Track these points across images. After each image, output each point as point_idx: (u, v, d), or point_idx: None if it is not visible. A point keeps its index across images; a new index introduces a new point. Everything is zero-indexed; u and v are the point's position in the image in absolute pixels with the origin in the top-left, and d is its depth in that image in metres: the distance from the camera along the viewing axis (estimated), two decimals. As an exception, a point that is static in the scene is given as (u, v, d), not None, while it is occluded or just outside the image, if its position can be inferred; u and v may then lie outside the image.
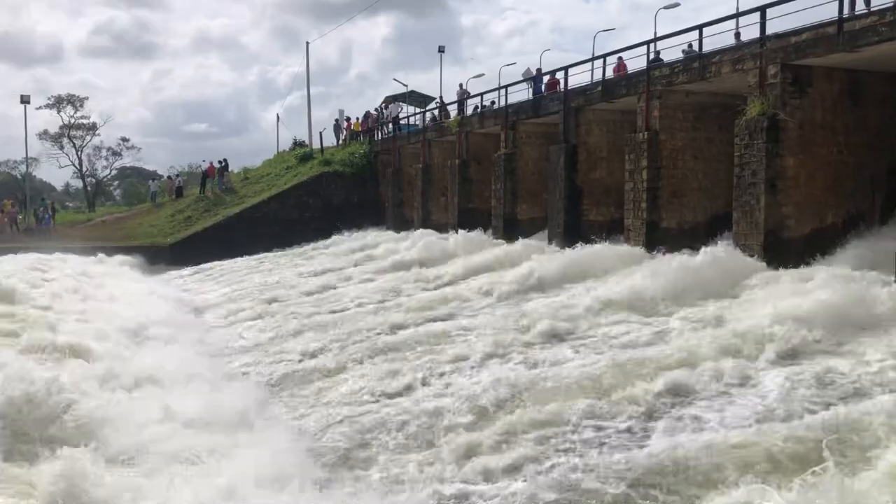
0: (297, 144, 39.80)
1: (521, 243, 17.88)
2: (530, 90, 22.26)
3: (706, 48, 14.69)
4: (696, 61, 14.42)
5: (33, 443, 6.26)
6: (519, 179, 20.78)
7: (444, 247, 19.82)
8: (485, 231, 20.90)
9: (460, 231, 21.41)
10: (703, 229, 14.87)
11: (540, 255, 15.73)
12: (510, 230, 20.14)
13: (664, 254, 13.53)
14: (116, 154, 60.29)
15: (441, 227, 23.97)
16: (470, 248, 18.98)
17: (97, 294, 16.89)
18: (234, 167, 37.55)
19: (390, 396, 8.79)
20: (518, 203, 20.75)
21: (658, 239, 14.78)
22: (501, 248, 17.98)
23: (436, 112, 30.34)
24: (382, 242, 23.70)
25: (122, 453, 6.46)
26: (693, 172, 15.26)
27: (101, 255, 25.50)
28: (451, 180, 24.24)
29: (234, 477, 5.94)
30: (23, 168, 52.77)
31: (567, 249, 15.77)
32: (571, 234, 17.29)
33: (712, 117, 15.13)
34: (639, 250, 14.56)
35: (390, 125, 32.15)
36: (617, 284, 12.02)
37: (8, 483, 5.61)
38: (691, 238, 14.41)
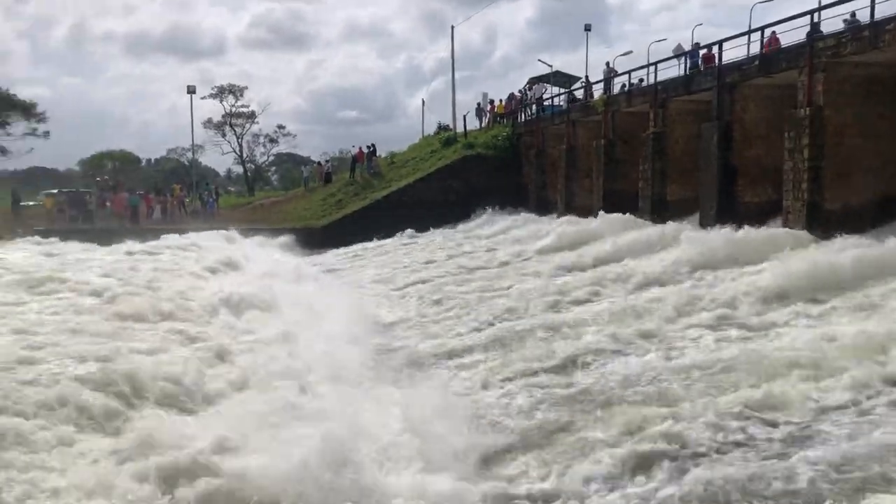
0: (442, 129, 40.28)
1: (671, 225, 17.28)
2: (682, 66, 21.38)
3: (878, 15, 13.56)
4: (868, 29, 13.33)
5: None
6: (668, 159, 20.07)
7: (587, 229, 19.50)
8: (631, 213, 20.34)
9: (606, 213, 20.94)
10: (871, 212, 13.80)
11: (694, 238, 15.11)
12: (659, 212, 19.51)
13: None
14: (273, 141, 63.51)
15: (585, 210, 23.57)
16: (616, 229, 18.55)
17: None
18: (381, 152, 38.56)
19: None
20: (667, 184, 20.05)
21: (820, 222, 13.86)
22: (651, 230, 17.44)
23: (580, 92, 29.80)
24: (524, 225, 23.66)
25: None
26: (861, 150, 14.14)
27: (259, 238, 27.10)
28: (595, 161, 23.74)
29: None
30: (190, 155, 56.62)
31: (721, 231, 15.10)
32: (725, 215, 16.52)
33: (885, 91, 13.96)
34: (802, 234, 13.70)
35: (534, 106, 31.91)
36: (784, 268, 11.42)
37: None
38: (857, 221, 13.42)
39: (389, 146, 45.57)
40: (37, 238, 25.12)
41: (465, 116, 36.88)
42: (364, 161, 36.22)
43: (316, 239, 29.42)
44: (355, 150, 37.78)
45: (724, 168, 17.13)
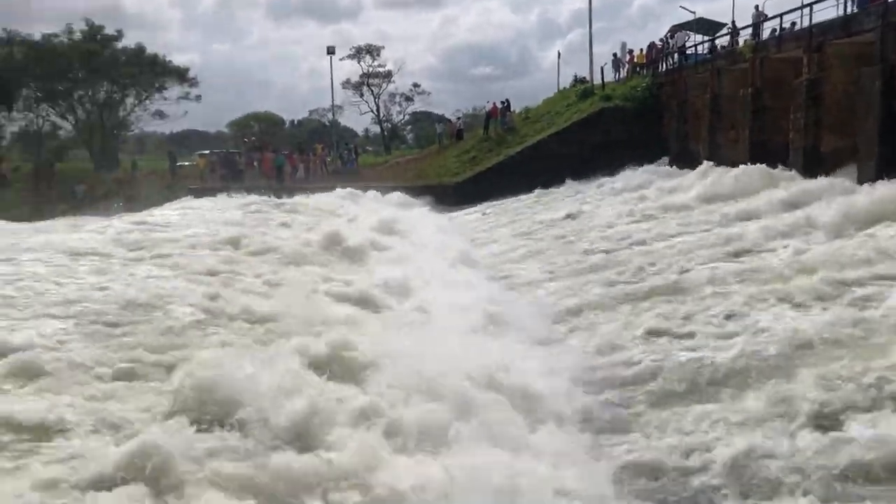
0: (578, 81, 39.39)
1: (825, 179, 16.16)
2: (841, 7, 19.75)
3: None
4: None
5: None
6: (823, 107, 18.69)
7: (730, 183, 18.53)
8: (782, 165, 19.16)
9: (752, 165, 19.83)
10: None
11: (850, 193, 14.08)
12: (811, 164, 18.26)
13: None
14: (409, 99, 64.39)
15: (730, 162, 22.41)
16: (763, 184, 17.55)
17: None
18: (515, 107, 38.20)
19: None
20: (821, 134, 18.71)
21: None
22: (803, 185, 16.38)
23: (725, 40, 28.22)
24: (665, 178, 22.85)
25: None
26: None
27: (398, 194, 27.79)
28: (742, 111, 22.48)
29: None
30: (330, 116, 58.34)
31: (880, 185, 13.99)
32: (887, 168, 15.28)
33: None
34: None
35: (675, 55, 30.58)
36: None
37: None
38: None
39: (524, 101, 45.03)
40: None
41: (602, 68, 35.91)
42: (498, 117, 36.05)
43: (450, 196, 29.69)
44: (489, 106, 37.63)
45: (888, 116, 15.78)
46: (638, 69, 34.09)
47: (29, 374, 5.62)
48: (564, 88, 40.08)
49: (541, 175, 28.18)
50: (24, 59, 46.33)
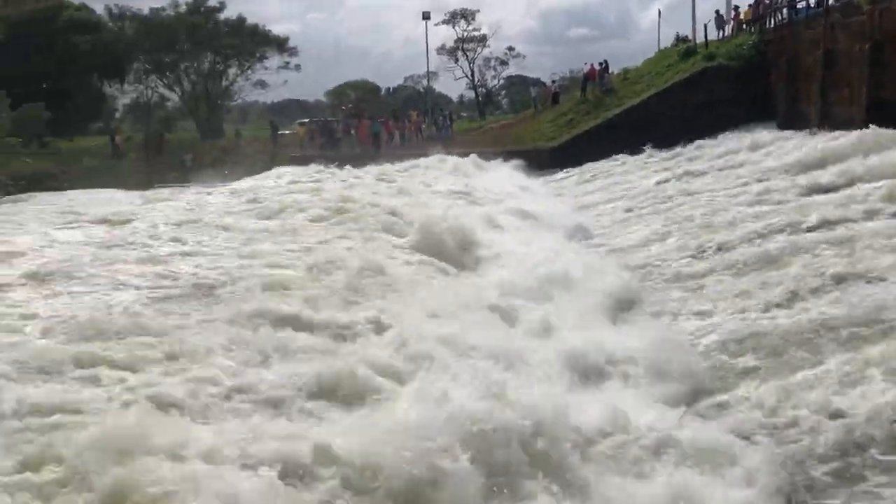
0: (679, 41, 38.03)
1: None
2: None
3: None
4: None
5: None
6: (950, 61, 17.43)
7: (839, 147, 17.41)
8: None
9: (870, 126, 18.67)
10: None
11: None
12: (936, 122, 17.08)
13: None
14: (504, 63, 63.75)
15: (844, 123, 21.21)
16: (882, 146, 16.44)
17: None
18: (613, 69, 37.27)
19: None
20: (948, 89, 17.46)
21: None
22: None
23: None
24: (773, 141, 21.83)
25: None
26: None
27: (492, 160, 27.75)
28: (858, 67, 21.19)
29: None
30: (425, 82, 58.48)
31: None
32: None
33: None
34: None
35: (784, 10, 29.04)
36: None
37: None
38: None
39: (622, 63, 43.78)
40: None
41: (705, 26, 34.50)
42: (596, 79, 35.28)
43: (546, 160, 29.36)
44: (587, 68, 36.85)
45: None
46: (743, 26, 32.61)
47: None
48: (665, 48, 38.79)
49: (641, 137, 27.41)
50: (135, 34, 48.33)
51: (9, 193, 27.77)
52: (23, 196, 26.79)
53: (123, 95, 54.08)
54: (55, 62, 44.14)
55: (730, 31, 33.73)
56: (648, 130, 27.74)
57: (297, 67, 53.31)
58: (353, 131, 37.50)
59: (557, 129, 33.00)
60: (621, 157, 26.57)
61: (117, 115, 59.63)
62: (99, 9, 50.29)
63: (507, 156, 29.28)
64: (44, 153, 37.03)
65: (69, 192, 27.65)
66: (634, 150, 26.79)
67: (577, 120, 32.76)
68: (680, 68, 31.44)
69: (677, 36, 39.26)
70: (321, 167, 24.55)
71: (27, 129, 35.28)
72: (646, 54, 41.06)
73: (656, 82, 31.65)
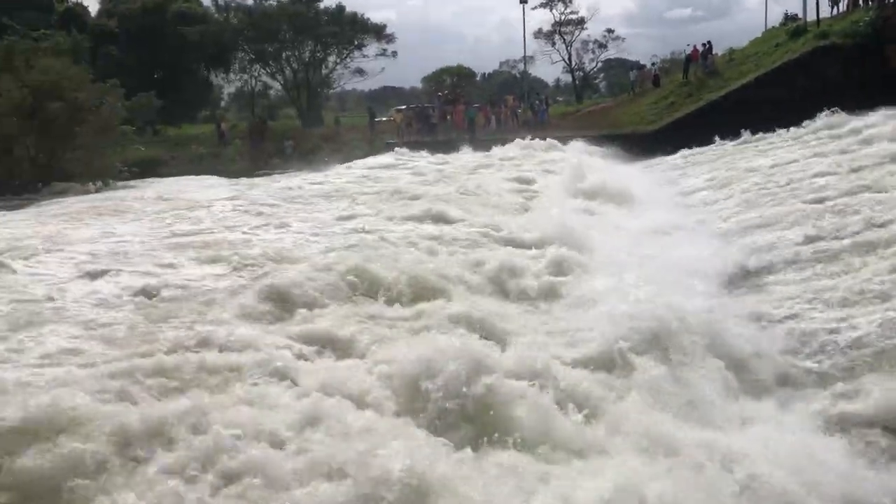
0: (789, 19, 36.39)
1: None
2: None
3: None
4: None
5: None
6: None
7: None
8: None
9: None
10: None
11: None
12: None
13: None
14: (602, 46, 62.55)
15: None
16: None
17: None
18: (717, 50, 35.98)
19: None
20: None
21: None
22: None
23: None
24: (884, 122, 20.36)
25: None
26: None
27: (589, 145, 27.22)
28: None
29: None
30: (521, 67, 58.01)
31: None
32: None
33: None
34: None
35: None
36: None
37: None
38: None
39: (726, 44, 42.27)
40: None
41: (817, 2, 32.82)
42: (699, 60, 34.15)
43: (646, 144, 28.62)
44: (689, 50, 35.72)
45: None
46: (860, 2, 30.84)
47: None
48: (773, 27, 37.21)
49: (746, 121, 26.31)
50: (239, 24, 49.89)
51: (123, 179, 29.22)
52: (132, 182, 28.21)
53: (229, 84, 56.11)
54: (165, 53, 46.12)
55: (845, 7, 32.00)
56: (755, 113, 26.58)
57: (394, 54, 53.93)
58: (448, 117, 37.63)
59: (658, 112, 32.15)
60: (726, 143, 25.27)
61: (223, 103, 61.84)
62: (206, 0, 52.22)
63: (604, 140, 28.72)
64: (155, 141, 38.81)
65: (180, 178, 28.93)
66: (739, 133, 25.70)
67: (678, 103, 31.82)
68: (789, 48, 30.05)
69: (786, 14, 37.67)
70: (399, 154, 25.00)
71: (140, 117, 36.98)
72: (751, 35, 39.49)
73: (764, 63, 30.35)
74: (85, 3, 51.70)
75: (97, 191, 26.00)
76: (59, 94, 27.68)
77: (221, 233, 10.19)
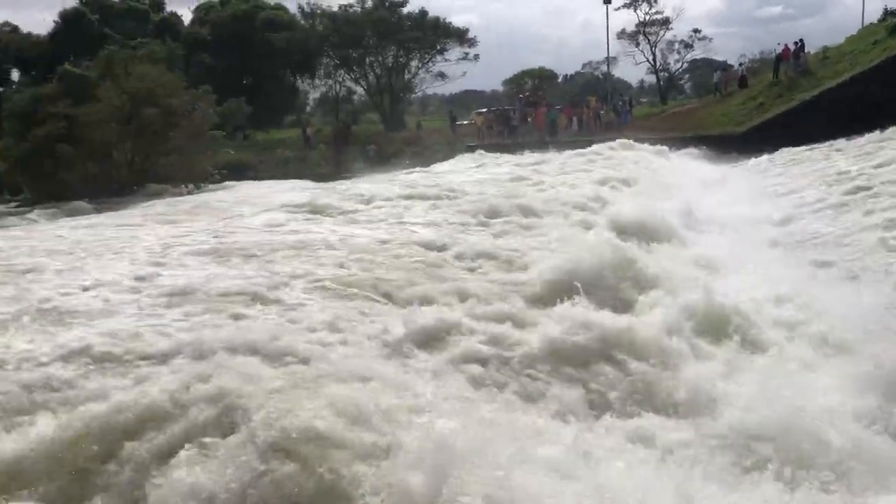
0: (889, 14, 34.81)
1: None
2: None
3: None
4: None
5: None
6: None
7: None
8: None
9: None
10: None
11: None
12: None
13: None
14: (688, 46, 61.04)
15: None
16: None
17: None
18: (809, 48, 34.72)
19: None
20: None
21: None
22: None
23: None
24: None
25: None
26: None
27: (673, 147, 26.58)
28: None
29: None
30: (603, 68, 57.29)
31: None
32: None
33: None
34: None
35: None
36: None
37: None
38: None
39: (819, 42, 40.83)
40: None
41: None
42: (790, 59, 33.03)
43: (733, 146, 27.82)
44: (780, 49, 34.59)
45: None
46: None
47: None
48: (871, 24, 35.64)
49: (840, 122, 25.30)
50: (325, 31, 50.98)
51: (214, 182, 30.28)
52: (225, 184, 29.19)
53: (314, 90, 57.34)
54: (254, 59, 47.55)
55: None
56: (851, 114, 25.51)
57: (476, 58, 54.05)
58: (529, 119, 37.51)
59: (747, 113, 31.25)
60: (820, 144, 23.96)
61: (308, 108, 63.25)
62: (293, 8, 53.56)
63: (690, 142, 28.09)
64: (245, 145, 40.05)
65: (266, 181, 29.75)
66: (834, 135, 24.62)
67: (767, 104, 30.85)
68: (888, 45, 28.75)
69: (885, 9, 35.99)
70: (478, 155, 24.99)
71: (230, 122, 38.23)
72: (845, 32, 37.96)
73: (860, 61, 29.15)
74: (179, 13, 53.87)
75: (189, 193, 27.03)
76: (155, 100, 28.92)
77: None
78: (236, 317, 4.99)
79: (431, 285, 6.28)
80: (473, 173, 17.94)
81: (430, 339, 4.97)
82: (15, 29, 52.28)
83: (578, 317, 5.35)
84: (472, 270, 7.07)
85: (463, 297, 5.92)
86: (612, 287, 6.29)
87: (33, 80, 40.62)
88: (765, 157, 24.07)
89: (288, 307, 5.31)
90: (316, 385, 3.85)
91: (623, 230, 8.45)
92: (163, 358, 4.21)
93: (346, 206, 10.74)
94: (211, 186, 29.06)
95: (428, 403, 3.92)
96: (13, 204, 29.69)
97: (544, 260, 7.02)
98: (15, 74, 49.56)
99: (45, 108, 28.88)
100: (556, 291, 6.02)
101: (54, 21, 49.37)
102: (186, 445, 3.39)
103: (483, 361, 4.82)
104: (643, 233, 8.59)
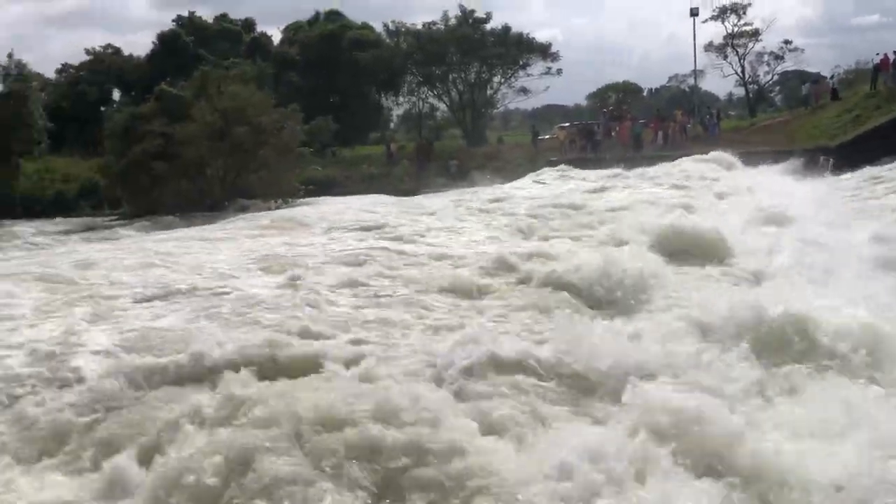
0: None
1: None
2: None
3: None
4: None
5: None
6: None
7: None
8: None
9: None
10: None
11: None
12: None
13: None
14: (778, 58, 59.27)
15: None
16: None
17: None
18: (910, 57, 33.19)
19: None
20: None
21: None
22: None
23: None
24: None
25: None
26: None
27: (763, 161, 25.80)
28: None
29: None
30: (690, 81, 56.19)
31: None
32: None
33: None
34: None
35: None
36: None
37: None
38: None
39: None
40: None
41: None
42: (890, 69, 31.68)
43: (826, 161, 26.85)
44: (878, 59, 33.22)
45: None
46: None
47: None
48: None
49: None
50: (409, 48, 51.75)
51: (300, 197, 31.02)
52: (309, 200, 29.85)
53: (398, 107, 58.15)
54: (340, 78, 48.62)
55: None
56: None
57: (559, 72, 53.73)
58: (613, 133, 37.07)
59: (841, 126, 30.08)
60: None
61: (392, 124, 64.21)
62: (378, 27, 54.56)
63: (780, 156, 27.18)
64: (331, 161, 40.93)
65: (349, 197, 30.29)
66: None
67: (864, 116, 29.62)
68: None
69: None
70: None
71: (317, 139, 39.12)
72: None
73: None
74: (269, 33, 55.66)
75: (277, 208, 27.79)
76: (245, 118, 29.94)
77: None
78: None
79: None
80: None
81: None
82: (117, 51, 55.20)
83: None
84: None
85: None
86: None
87: (133, 100, 42.62)
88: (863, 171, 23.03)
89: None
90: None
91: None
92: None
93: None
94: (299, 201, 29.78)
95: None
96: (112, 217, 31.25)
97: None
98: (116, 94, 52.19)
99: (143, 126, 30.30)
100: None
101: (153, 42, 51.87)
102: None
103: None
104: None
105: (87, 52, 55.57)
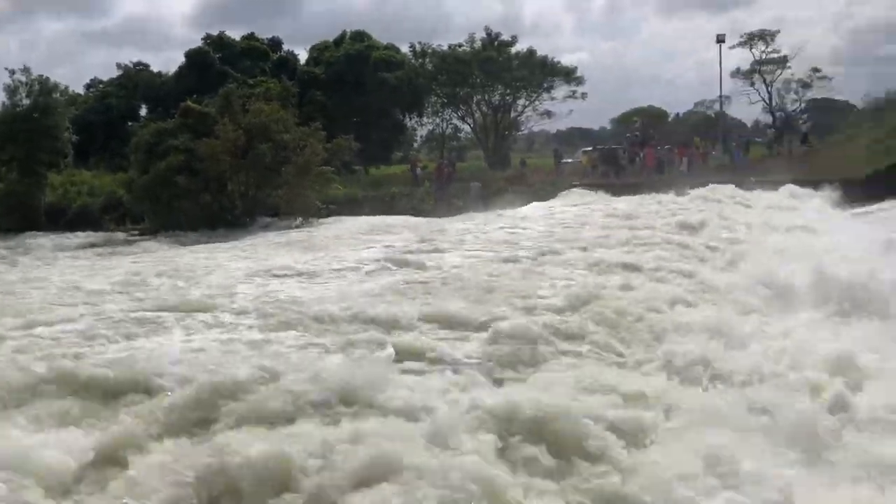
0: None
1: None
2: None
3: None
4: None
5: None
6: None
7: None
8: None
9: None
10: None
11: None
12: None
13: None
14: (806, 86, 58.79)
15: None
16: None
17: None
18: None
19: None
20: None
21: None
22: None
23: None
24: None
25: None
26: None
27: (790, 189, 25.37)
28: None
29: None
30: (716, 107, 55.77)
31: None
32: None
33: None
34: None
35: None
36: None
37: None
38: None
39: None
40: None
41: None
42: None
43: (858, 190, 26.33)
44: (909, 88, 32.79)
45: None
46: None
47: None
48: None
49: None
50: (434, 70, 51.86)
51: (321, 216, 30.94)
52: (328, 220, 29.74)
53: (422, 127, 58.20)
54: (364, 98, 48.73)
55: None
56: None
57: (584, 96, 53.61)
58: (637, 158, 36.79)
59: (872, 155, 29.57)
60: None
61: (415, 145, 64.27)
62: (403, 48, 54.75)
63: (807, 185, 26.71)
64: (353, 180, 40.88)
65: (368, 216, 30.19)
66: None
67: (894, 146, 29.12)
68: None
69: None
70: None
71: (339, 158, 39.14)
72: None
73: None
74: (296, 52, 55.98)
75: (298, 226, 27.70)
76: (268, 135, 30.00)
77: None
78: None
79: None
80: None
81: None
82: (146, 67, 55.80)
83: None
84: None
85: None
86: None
87: (159, 116, 42.96)
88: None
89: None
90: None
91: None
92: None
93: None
94: (319, 220, 29.68)
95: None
96: (134, 232, 31.36)
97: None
98: (143, 110, 52.68)
99: (167, 142, 30.46)
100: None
101: (183, 60, 52.40)
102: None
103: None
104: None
105: (118, 66, 56.40)
